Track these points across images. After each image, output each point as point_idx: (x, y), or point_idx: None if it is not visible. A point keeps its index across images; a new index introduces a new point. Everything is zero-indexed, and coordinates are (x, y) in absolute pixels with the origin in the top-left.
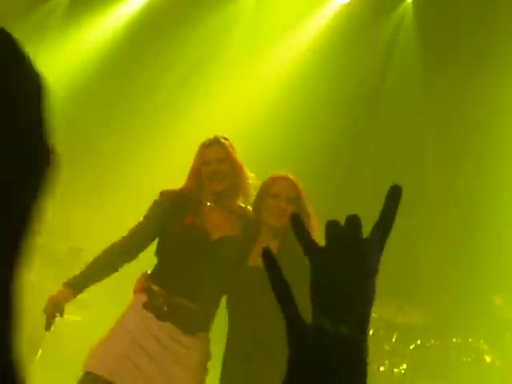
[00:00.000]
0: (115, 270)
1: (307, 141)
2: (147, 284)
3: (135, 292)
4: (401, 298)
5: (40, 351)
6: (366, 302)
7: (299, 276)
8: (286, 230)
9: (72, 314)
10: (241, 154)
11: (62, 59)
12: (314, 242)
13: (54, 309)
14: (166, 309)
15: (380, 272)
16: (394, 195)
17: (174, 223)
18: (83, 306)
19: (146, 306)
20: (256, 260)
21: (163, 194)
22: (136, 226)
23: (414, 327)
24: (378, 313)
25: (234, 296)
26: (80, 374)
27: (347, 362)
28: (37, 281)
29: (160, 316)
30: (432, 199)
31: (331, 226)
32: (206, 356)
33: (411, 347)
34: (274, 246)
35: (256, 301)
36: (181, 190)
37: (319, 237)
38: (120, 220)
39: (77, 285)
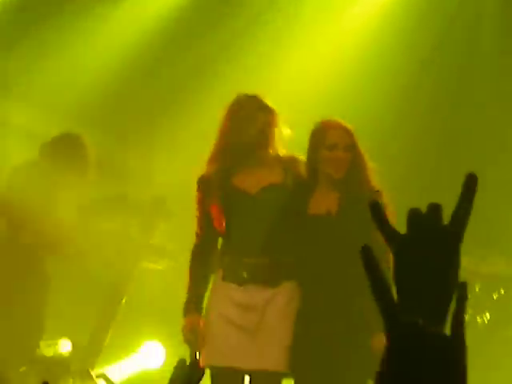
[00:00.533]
0: (209, 273)
1: (384, 99)
2: (220, 260)
3: (215, 272)
4: (484, 247)
5: (124, 298)
6: (448, 292)
7: (363, 227)
8: (346, 180)
9: (154, 263)
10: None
11: (126, 26)
12: (395, 230)
13: (195, 337)
14: (244, 274)
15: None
16: (470, 184)
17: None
18: (165, 255)
19: (225, 279)
20: (316, 208)
21: (197, 182)
22: (197, 224)
23: (498, 276)
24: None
25: (299, 244)
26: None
27: (441, 359)
28: (121, 230)
29: (241, 282)
30: None
31: (413, 214)
32: (292, 300)
33: (495, 297)
34: (334, 197)
35: (319, 247)
36: (208, 170)
37: (378, 183)
38: (199, 166)
39: (195, 307)
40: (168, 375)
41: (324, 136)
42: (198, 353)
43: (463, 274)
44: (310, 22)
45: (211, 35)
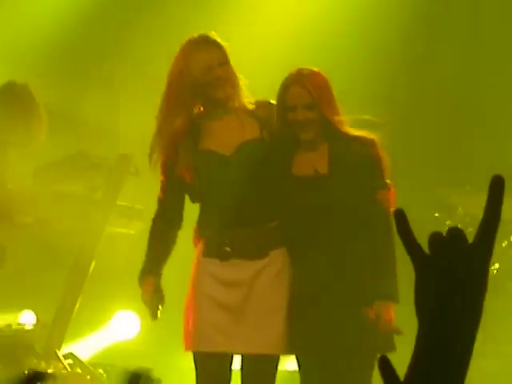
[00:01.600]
0: (171, 243)
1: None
2: (199, 233)
3: (195, 245)
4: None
5: (93, 263)
6: (475, 320)
7: (357, 186)
8: (329, 137)
9: (123, 227)
10: None
11: None
12: (420, 248)
13: (154, 301)
14: (227, 248)
15: (467, 163)
16: (497, 188)
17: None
18: (137, 217)
19: (206, 254)
20: (301, 168)
21: (157, 141)
22: (160, 187)
23: (506, 222)
24: (465, 208)
25: (285, 208)
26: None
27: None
28: (85, 193)
29: (224, 257)
30: None
31: (434, 237)
32: (282, 270)
33: (504, 244)
34: (320, 156)
35: (308, 210)
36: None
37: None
38: None
39: (154, 270)
40: (143, 346)
41: (284, 97)
42: (157, 312)
43: (467, 220)
44: None
45: None
